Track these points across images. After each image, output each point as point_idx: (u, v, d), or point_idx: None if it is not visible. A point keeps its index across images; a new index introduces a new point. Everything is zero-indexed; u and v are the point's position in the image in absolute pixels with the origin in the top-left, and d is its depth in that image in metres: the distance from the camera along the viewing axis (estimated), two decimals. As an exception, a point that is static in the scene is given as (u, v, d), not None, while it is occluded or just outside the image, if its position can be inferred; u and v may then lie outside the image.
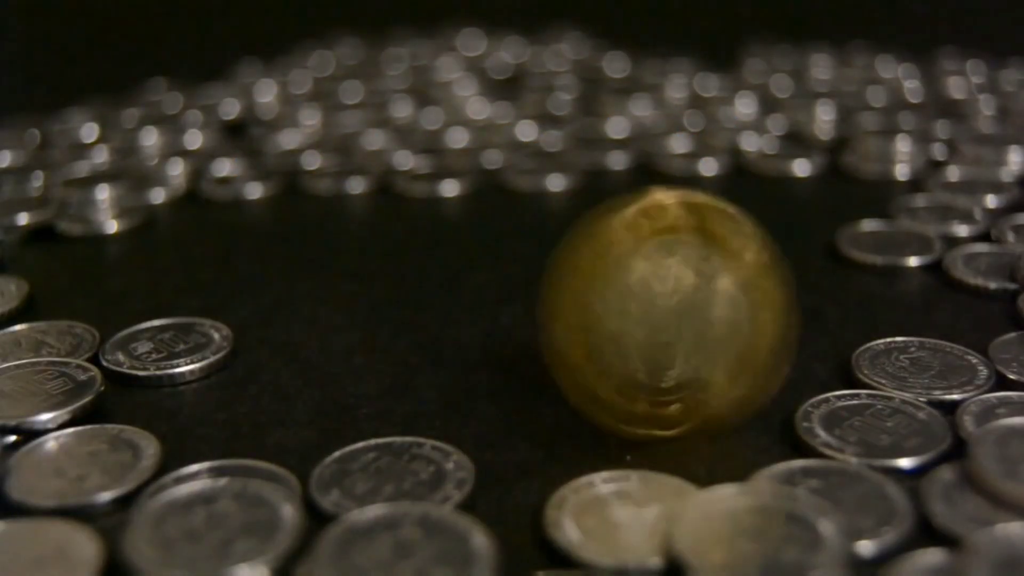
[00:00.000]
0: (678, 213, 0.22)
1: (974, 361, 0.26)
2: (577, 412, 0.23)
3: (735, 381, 0.22)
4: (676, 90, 0.51)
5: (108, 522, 0.21)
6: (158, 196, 0.40)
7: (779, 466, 0.22)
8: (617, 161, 0.42)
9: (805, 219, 0.38)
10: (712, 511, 0.20)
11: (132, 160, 0.43)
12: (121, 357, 0.27)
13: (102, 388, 0.25)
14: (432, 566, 0.19)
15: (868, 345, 0.27)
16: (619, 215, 0.22)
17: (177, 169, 0.42)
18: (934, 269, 0.32)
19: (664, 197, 0.22)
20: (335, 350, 0.28)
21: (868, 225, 0.35)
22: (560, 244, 0.23)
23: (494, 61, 0.58)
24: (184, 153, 0.44)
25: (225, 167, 0.43)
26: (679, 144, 0.44)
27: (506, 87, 0.53)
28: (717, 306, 0.22)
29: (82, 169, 0.42)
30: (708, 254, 0.22)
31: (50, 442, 0.24)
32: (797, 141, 0.44)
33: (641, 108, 0.48)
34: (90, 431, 0.24)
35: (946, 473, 0.22)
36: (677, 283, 0.22)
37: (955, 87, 0.50)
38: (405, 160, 0.43)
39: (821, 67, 0.54)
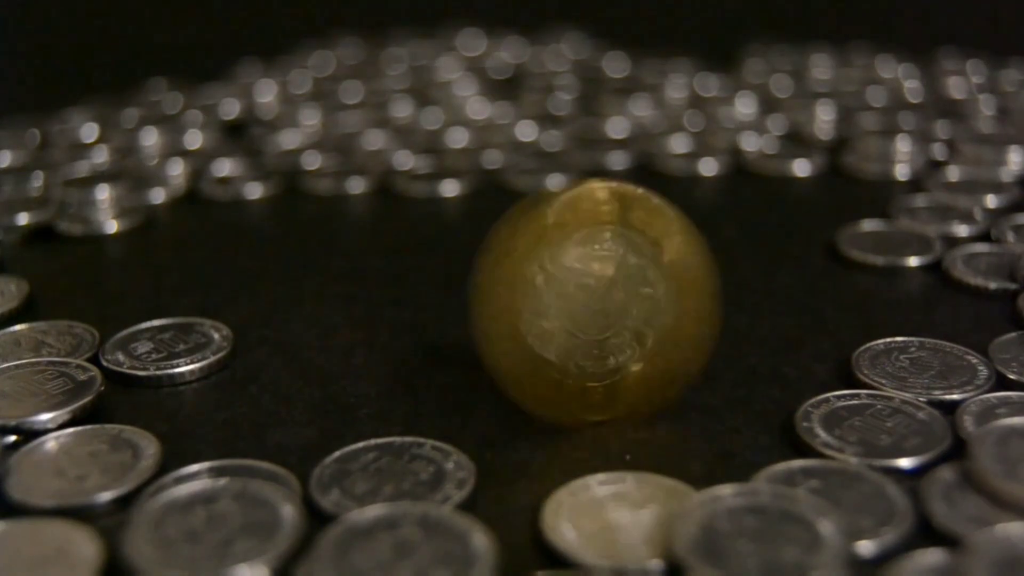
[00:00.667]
0: (603, 204, 0.23)
1: (974, 361, 0.26)
2: (511, 399, 0.24)
3: (656, 366, 0.23)
4: (676, 90, 0.51)
5: (108, 522, 0.21)
6: (158, 196, 0.40)
7: (779, 466, 0.22)
8: (617, 161, 0.42)
9: (805, 219, 0.38)
10: (712, 511, 0.20)
11: (132, 160, 0.43)
12: (121, 357, 0.27)
13: (102, 388, 0.25)
14: (432, 566, 0.19)
15: (868, 345, 0.27)
16: (546, 206, 0.23)
17: (177, 169, 0.42)
18: (934, 269, 0.32)
19: (589, 188, 0.23)
20: (335, 350, 0.28)
21: (868, 225, 0.35)
22: (491, 232, 0.24)
23: (494, 61, 0.58)
24: (184, 153, 0.44)
25: (225, 167, 0.43)
26: (679, 144, 0.44)
27: (506, 87, 0.53)
28: (639, 293, 0.23)
29: (82, 169, 0.42)
30: (632, 243, 0.22)
31: (50, 442, 0.24)
32: (797, 141, 0.44)
33: (641, 108, 0.48)
34: (90, 431, 0.24)
35: (946, 473, 0.22)
36: (601, 271, 0.22)
37: (955, 87, 0.50)
38: (405, 160, 0.43)
39: (821, 67, 0.54)
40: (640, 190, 0.23)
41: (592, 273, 0.22)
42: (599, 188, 0.23)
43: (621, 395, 0.23)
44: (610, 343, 0.23)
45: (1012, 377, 0.25)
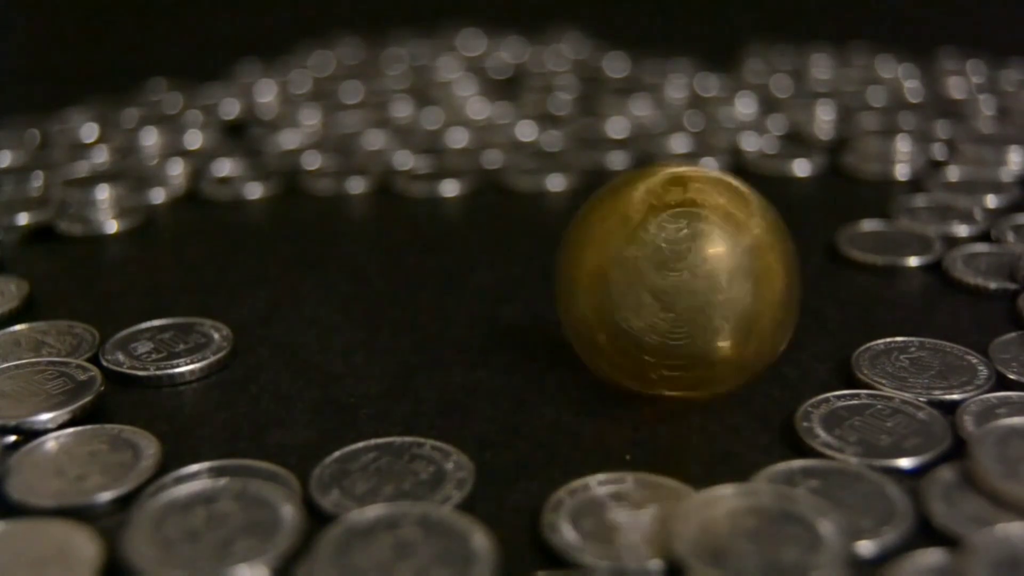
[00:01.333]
0: (688, 188, 0.23)
1: (974, 361, 0.26)
2: (597, 376, 0.25)
3: (739, 347, 0.23)
4: (676, 90, 0.51)
5: (108, 522, 0.21)
6: (158, 196, 0.40)
7: (779, 466, 0.22)
8: (617, 161, 0.42)
9: (805, 219, 0.37)
10: (712, 511, 0.20)
11: (132, 160, 0.43)
12: (121, 357, 0.27)
13: (102, 388, 0.25)
14: (432, 566, 0.19)
15: (868, 345, 0.27)
16: (634, 189, 0.24)
17: (177, 169, 0.42)
18: (934, 269, 0.32)
19: (676, 173, 0.24)
20: (335, 350, 0.28)
21: (868, 225, 0.35)
22: (576, 216, 0.24)
23: (494, 61, 0.58)
24: (184, 153, 0.44)
25: (225, 167, 0.43)
26: (679, 144, 0.44)
27: (506, 87, 0.53)
28: (723, 276, 0.23)
29: (82, 169, 0.42)
30: (716, 227, 0.23)
31: (50, 442, 0.24)
32: (797, 141, 0.44)
33: (641, 108, 0.48)
34: (90, 431, 0.24)
35: (946, 473, 0.22)
36: (686, 254, 0.23)
37: (955, 87, 0.50)
38: (405, 160, 0.43)
39: (821, 67, 0.54)
40: (724, 176, 0.24)
41: (677, 254, 0.23)
42: (680, 173, 0.24)
43: (699, 373, 0.24)
44: (688, 322, 0.23)
45: (1012, 377, 0.25)
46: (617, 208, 0.24)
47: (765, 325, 0.23)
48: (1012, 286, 0.30)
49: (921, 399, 0.24)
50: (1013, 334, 0.27)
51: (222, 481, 0.22)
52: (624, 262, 0.23)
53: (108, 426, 0.24)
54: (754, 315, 0.23)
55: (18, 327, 0.29)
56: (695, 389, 0.24)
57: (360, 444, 0.23)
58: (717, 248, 0.23)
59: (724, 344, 0.23)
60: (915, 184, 0.40)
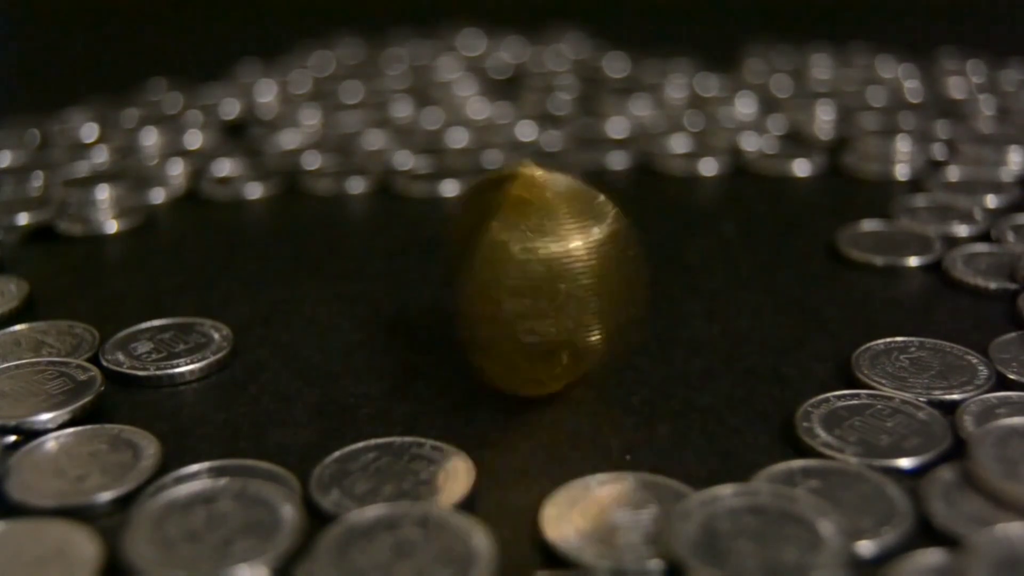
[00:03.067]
0: (532, 194, 0.24)
1: (974, 361, 0.26)
2: (488, 381, 0.25)
3: (599, 328, 0.24)
4: (676, 90, 0.51)
5: (108, 522, 0.21)
6: (158, 196, 0.40)
7: (779, 466, 0.22)
8: (617, 161, 0.42)
9: (805, 219, 0.38)
10: (712, 511, 0.20)
11: (132, 160, 0.43)
12: (121, 357, 0.27)
13: (102, 388, 0.25)
14: (432, 566, 0.19)
15: (868, 345, 0.27)
16: (487, 194, 0.24)
17: (177, 169, 0.42)
18: (934, 269, 0.32)
19: (520, 180, 0.24)
20: (335, 350, 0.28)
21: (868, 225, 0.35)
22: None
23: (494, 61, 0.58)
24: (184, 153, 0.44)
25: (225, 167, 0.43)
26: (679, 144, 0.44)
27: (506, 87, 0.53)
28: (574, 270, 0.23)
29: (82, 169, 0.42)
30: (565, 226, 0.23)
31: (50, 442, 0.24)
32: (797, 141, 0.44)
33: (641, 108, 0.48)
34: (90, 431, 0.24)
35: (946, 473, 0.22)
36: (540, 252, 0.23)
37: (955, 87, 0.50)
38: (405, 160, 0.43)
39: (821, 67, 0.54)
40: (567, 179, 0.25)
41: (530, 253, 0.23)
42: (523, 180, 0.24)
43: (566, 364, 0.24)
44: (551, 314, 0.23)
45: (1012, 377, 0.25)
46: (475, 218, 0.24)
47: (614, 308, 0.24)
48: (1012, 286, 0.30)
49: (921, 399, 0.24)
50: (1013, 334, 0.27)
51: (222, 481, 0.22)
52: (486, 266, 0.23)
53: (108, 426, 0.24)
54: (605, 300, 0.24)
55: (18, 327, 0.29)
56: (569, 372, 0.25)
57: (360, 444, 0.23)
58: (569, 245, 0.23)
59: (584, 327, 0.24)
60: (915, 184, 0.40)
